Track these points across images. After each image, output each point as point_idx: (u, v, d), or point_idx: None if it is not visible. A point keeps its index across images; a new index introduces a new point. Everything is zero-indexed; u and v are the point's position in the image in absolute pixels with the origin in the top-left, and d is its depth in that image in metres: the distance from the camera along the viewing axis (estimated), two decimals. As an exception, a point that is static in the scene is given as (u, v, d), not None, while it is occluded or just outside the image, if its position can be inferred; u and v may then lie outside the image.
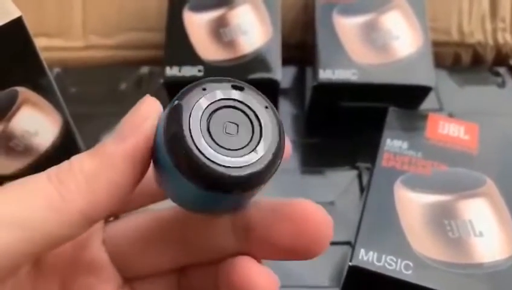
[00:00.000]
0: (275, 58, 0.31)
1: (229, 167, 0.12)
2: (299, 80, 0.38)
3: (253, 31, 0.31)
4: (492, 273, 0.22)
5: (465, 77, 0.40)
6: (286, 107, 0.37)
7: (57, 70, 0.38)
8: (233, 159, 0.12)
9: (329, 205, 0.31)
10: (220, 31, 0.31)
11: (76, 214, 0.13)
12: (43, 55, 0.24)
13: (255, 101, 0.13)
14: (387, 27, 0.32)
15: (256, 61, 0.31)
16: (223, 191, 0.12)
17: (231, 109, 0.13)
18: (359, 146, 0.33)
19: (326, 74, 0.31)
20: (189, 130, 0.12)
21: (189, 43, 0.31)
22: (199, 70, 0.30)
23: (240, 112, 0.13)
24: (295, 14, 0.39)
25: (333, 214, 0.31)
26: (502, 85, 0.39)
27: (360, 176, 0.32)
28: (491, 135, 0.28)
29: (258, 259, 0.15)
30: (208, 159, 0.12)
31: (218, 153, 0.12)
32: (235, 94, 0.13)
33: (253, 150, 0.12)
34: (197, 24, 0.31)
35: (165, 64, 0.31)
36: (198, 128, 0.12)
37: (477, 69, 0.41)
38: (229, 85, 0.13)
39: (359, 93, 0.32)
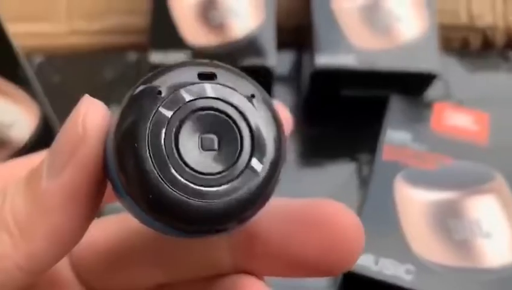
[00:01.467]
0: (269, 43, 0.29)
1: (209, 201, 0.09)
2: (296, 67, 0.36)
3: (245, 13, 0.29)
4: (501, 279, 0.20)
5: (474, 62, 0.37)
6: (281, 95, 0.35)
7: (39, 59, 0.36)
8: (215, 189, 0.09)
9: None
10: (208, 13, 0.29)
11: (14, 270, 0.10)
12: (26, 42, 0.22)
13: (236, 90, 0.09)
14: (389, 7, 0.30)
15: (249, 46, 0.29)
16: (203, 233, 0.09)
17: (206, 113, 0.09)
18: (360, 137, 0.31)
19: (324, 59, 0.29)
20: (150, 156, 0.09)
21: (175, 26, 0.29)
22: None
23: (218, 114, 0.09)
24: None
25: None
26: (513, 70, 0.37)
27: (360, 170, 0.30)
28: (503, 125, 0.25)
29: (261, 277, 0.12)
30: (180, 194, 0.09)
31: (193, 183, 0.09)
32: (207, 88, 0.09)
33: (243, 171, 0.09)
34: (183, 6, 0.29)
35: (150, 48, 0.29)
36: (162, 151, 0.09)
37: (487, 54, 0.38)
38: (194, 73, 0.09)
39: (360, 80, 0.30)
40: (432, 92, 0.31)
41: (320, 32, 0.29)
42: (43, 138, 0.27)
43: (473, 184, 0.23)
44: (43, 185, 0.10)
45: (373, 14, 0.30)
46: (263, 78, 0.29)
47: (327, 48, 0.29)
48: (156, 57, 0.28)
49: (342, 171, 0.30)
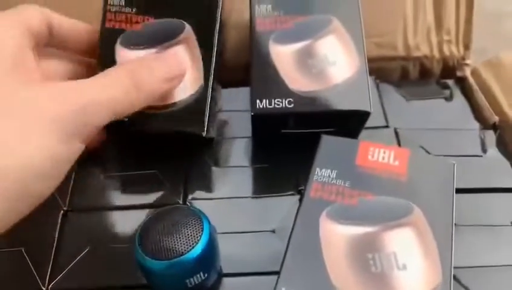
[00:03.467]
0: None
1: None
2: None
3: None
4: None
5: (412, 90, 0.40)
6: (235, 132, 0.38)
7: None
8: None
9: (271, 233, 0.31)
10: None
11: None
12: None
13: None
14: (323, 53, 0.32)
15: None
16: None
17: None
18: (303, 171, 0.34)
19: (262, 104, 0.31)
20: None
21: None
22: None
23: None
24: (243, 33, 0.39)
25: (274, 242, 0.31)
26: (449, 98, 0.40)
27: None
28: (421, 160, 0.28)
29: None
30: None
31: None
32: None
33: None
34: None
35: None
36: None
37: (425, 83, 0.41)
38: None
39: (298, 120, 0.32)
40: (371, 122, 0.33)
41: (259, 78, 0.32)
42: (198, 102, 0.31)
43: (390, 218, 0.25)
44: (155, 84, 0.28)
45: (308, 60, 0.32)
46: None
47: (265, 93, 0.31)
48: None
49: (286, 203, 0.33)
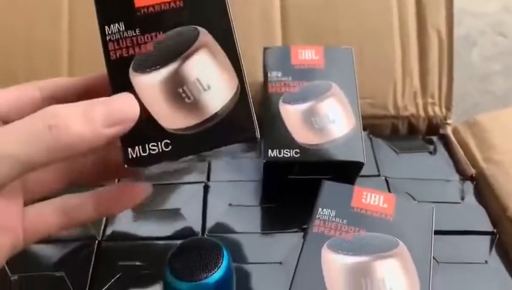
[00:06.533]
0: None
1: None
2: (259, 152, 0.44)
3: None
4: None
5: (401, 145, 0.46)
6: (247, 176, 0.43)
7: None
8: None
9: (278, 265, 0.36)
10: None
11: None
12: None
13: None
14: (324, 112, 0.39)
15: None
16: None
17: None
18: (306, 211, 0.39)
19: (273, 153, 0.37)
20: None
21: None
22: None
23: None
24: (255, 91, 0.46)
25: (281, 273, 0.36)
26: (433, 152, 0.46)
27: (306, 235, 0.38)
28: (406, 204, 0.33)
29: None
30: None
31: None
32: None
33: None
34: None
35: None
36: None
37: (412, 138, 0.47)
38: None
39: (303, 168, 0.38)
40: (365, 171, 0.39)
41: (269, 129, 0.38)
42: (235, 111, 0.26)
43: (381, 250, 0.30)
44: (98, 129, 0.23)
45: (312, 117, 0.38)
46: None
47: (276, 144, 0.37)
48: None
49: (292, 239, 0.38)
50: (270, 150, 0.37)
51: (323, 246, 0.31)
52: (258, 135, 0.26)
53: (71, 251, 0.37)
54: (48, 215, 0.26)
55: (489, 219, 0.40)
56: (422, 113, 0.47)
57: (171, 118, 0.26)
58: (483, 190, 0.42)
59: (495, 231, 0.39)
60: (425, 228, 0.32)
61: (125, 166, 0.25)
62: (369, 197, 0.34)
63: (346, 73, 0.41)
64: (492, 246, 0.38)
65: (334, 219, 0.32)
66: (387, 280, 0.29)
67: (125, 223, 0.39)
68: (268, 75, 0.40)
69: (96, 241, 0.37)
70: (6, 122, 0.24)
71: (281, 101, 0.39)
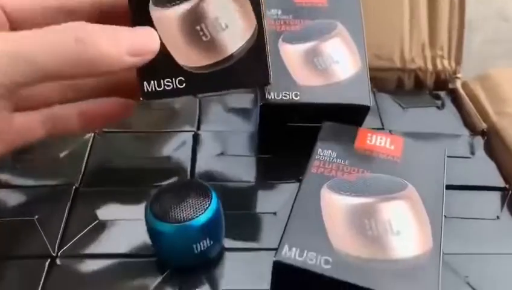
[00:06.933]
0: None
1: None
2: (255, 101, 0.41)
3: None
4: (406, 269, 0.24)
5: (407, 99, 0.43)
6: (241, 125, 0.40)
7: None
8: None
9: (272, 215, 0.33)
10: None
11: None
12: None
13: None
14: (328, 52, 0.36)
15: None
16: None
17: None
18: (305, 162, 0.36)
19: (272, 95, 0.34)
20: None
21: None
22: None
23: None
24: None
25: (275, 223, 0.33)
26: (441, 107, 0.43)
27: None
28: (415, 147, 0.30)
29: None
30: None
31: None
32: None
33: None
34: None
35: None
36: None
37: (418, 93, 0.44)
38: None
39: (303, 112, 0.35)
40: (368, 124, 0.36)
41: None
42: (250, 54, 0.26)
43: (387, 192, 0.27)
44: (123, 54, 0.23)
45: (315, 58, 0.35)
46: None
47: (274, 86, 0.34)
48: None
49: (288, 190, 0.35)
50: (267, 92, 0.34)
51: (323, 187, 0.28)
52: (271, 80, 0.27)
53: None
54: (34, 122, 0.27)
55: (500, 174, 0.37)
56: (430, 66, 0.44)
57: (186, 56, 0.26)
58: (494, 144, 0.39)
59: (507, 186, 0.36)
60: (437, 171, 0.29)
61: (141, 99, 0.26)
62: (375, 139, 0.31)
63: (352, 13, 0.37)
64: (504, 202, 0.35)
65: (335, 160, 0.29)
66: (394, 223, 0.26)
67: (107, 169, 0.36)
68: (267, 11, 0.37)
69: (74, 187, 0.34)
70: (14, 29, 0.25)
71: (280, 40, 0.36)
